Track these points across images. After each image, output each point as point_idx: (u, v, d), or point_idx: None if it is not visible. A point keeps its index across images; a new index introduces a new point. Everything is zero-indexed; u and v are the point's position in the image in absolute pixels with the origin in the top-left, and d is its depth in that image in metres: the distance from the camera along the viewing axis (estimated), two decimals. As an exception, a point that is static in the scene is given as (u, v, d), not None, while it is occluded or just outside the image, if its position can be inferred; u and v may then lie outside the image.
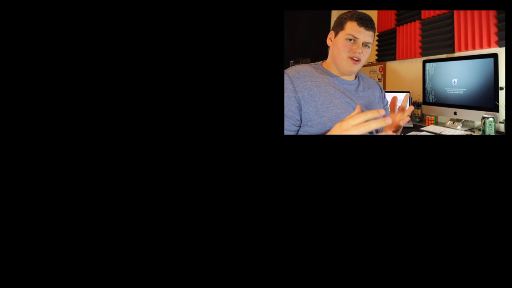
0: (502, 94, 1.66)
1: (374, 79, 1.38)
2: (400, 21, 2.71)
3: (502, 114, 1.67)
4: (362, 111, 1.16)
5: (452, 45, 2.12)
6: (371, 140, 1.10)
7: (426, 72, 2.22)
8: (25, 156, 1.08)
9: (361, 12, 1.17)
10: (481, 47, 1.92)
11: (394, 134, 1.15)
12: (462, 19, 2.03)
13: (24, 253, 1.07)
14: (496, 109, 1.68)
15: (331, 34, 1.21)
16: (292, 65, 1.27)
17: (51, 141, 1.09)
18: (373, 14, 3.01)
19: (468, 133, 1.84)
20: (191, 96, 1.11)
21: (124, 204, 1.09)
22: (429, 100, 2.20)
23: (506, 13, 1.10)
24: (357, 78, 1.25)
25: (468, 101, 1.87)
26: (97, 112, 1.10)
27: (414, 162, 1.09)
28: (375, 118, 0.87)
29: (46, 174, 1.08)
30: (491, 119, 1.63)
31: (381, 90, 1.33)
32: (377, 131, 1.23)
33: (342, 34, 1.16)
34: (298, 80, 1.12)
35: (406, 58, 2.64)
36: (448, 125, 2.01)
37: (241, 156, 1.10)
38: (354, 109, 1.16)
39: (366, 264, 1.08)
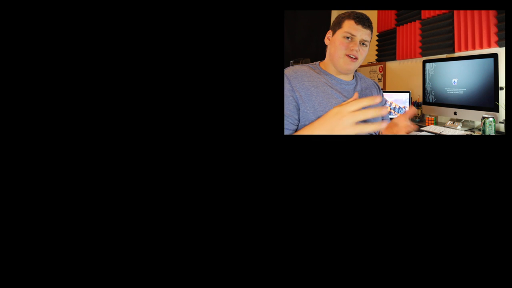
0: (502, 94, 1.66)
1: (372, 79, 1.39)
2: (400, 21, 2.70)
3: (502, 114, 1.67)
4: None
5: (452, 45, 2.12)
6: (371, 140, 1.10)
7: (426, 72, 2.22)
8: (25, 156, 1.08)
9: (358, 11, 1.19)
10: (481, 47, 1.92)
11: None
12: (462, 19, 2.03)
13: (24, 253, 1.07)
14: (496, 109, 1.68)
15: (329, 34, 1.23)
16: (292, 65, 1.27)
17: (51, 141, 1.09)
18: (373, 14, 3.01)
19: (468, 133, 1.84)
20: (191, 96, 1.11)
21: (124, 204, 1.09)
22: (429, 100, 2.20)
23: (506, 13, 1.10)
24: (354, 78, 1.26)
25: (468, 101, 1.87)
26: (97, 112, 1.10)
27: (414, 162, 1.09)
28: (371, 106, 0.86)
29: (46, 174, 1.08)
30: (491, 119, 1.63)
31: (379, 90, 1.33)
32: (375, 132, 1.23)
33: (339, 33, 1.17)
34: (295, 80, 1.13)
35: (406, 58, 2.63)
36: (448, 125, 2.01)
37: (241, 156, 1.10)
38: None
39: (366, 263, 1.08)
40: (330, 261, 1.08)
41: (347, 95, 1.18)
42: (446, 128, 1.95)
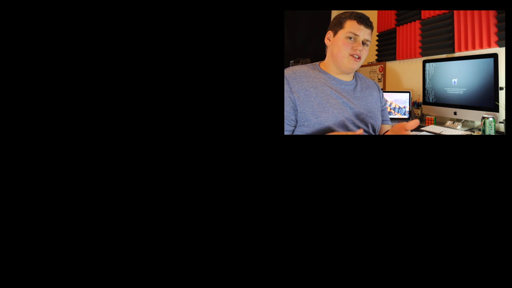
0: (502, 94, 1.66)
1: (373, 80, 1.39)
2: (400, 21, 2.70)
3: (502, 114, 1.67)
4: (360, 110, 1.17)
5: (452, 45, 2.11)
6: (371, 140, 1.11)
7: (426, 72, 2.22)
8: (25, 156, 1.08)
9: (359, 11, 1.19)
10: (481, 47, 1.92)
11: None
12: (462, 19, 2.03)
13: (24, 252, 1.07)
14: (496, 109, 1.68)
15: (329, 34, 1.22)
16: (292, 65, 1.28)
17: (51, 141, 1.09)
18: (373, 14, 3.01)
19: (468, 133, 1.84)
20: (191, 96, 1.11)
21: (124, 203, 1.09)
22: (429, 100, 2.20)
23: (506, 13, 1.10)
24: (354, 79, 1.26)
25: (468, 101, 1.87)
26: (98, 112, 1.10)
27: (414, 162, 1.09)
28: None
29: (46, 174, 1.08)
30: (491, 119, 1.62)
31: (379, 90, 1.33)
32: (374, 132, 1.23)
33: (342, 33, 1.18)
34: (294, 81, 1.13)
35: (406, 58, 2.63)
36: (448, 125, 2.01)
37: (241, 156, 1.10)
38: (351, 109, 1.17)
39: (366, 263, 1.08)
40: (330, 260, 1.08)
41: (346, 95, 1.19)
42: (446, 128, 1.94)
